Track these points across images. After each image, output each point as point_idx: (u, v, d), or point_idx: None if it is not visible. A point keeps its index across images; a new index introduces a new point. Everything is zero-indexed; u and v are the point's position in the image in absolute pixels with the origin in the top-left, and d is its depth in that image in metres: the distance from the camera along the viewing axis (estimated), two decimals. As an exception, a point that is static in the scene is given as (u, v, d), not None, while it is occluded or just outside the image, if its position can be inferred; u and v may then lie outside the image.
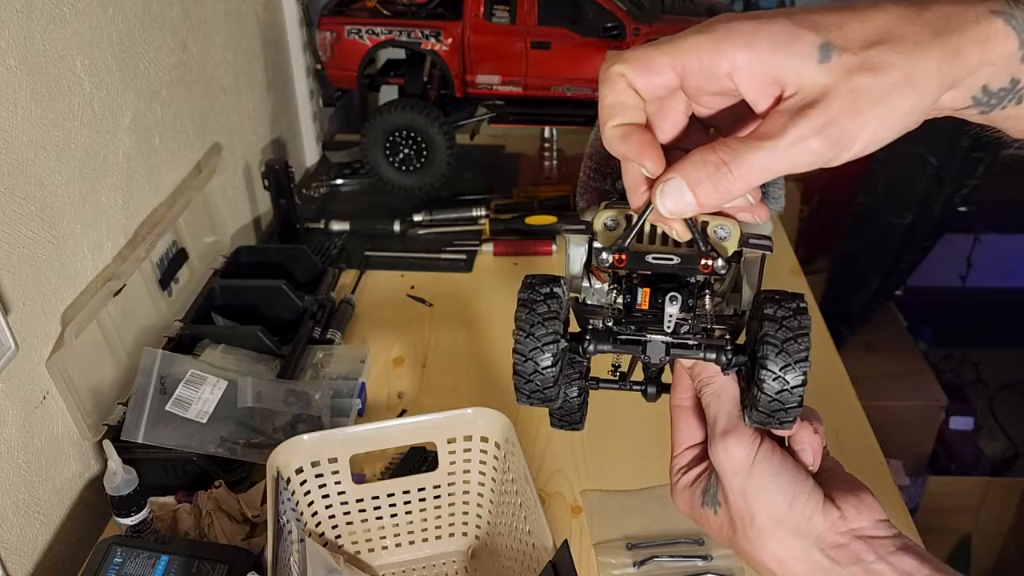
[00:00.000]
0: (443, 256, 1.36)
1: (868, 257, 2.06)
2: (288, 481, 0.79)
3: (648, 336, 0.47)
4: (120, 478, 0.81)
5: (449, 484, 0.86)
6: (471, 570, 0.88)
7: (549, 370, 0.46)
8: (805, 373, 0.43)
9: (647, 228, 0.45)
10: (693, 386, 0.52)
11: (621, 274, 0.48)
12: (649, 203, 0.42)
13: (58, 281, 0.89)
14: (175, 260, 1.14)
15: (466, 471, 0.85)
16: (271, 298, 1.15)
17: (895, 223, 2.00)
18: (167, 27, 1.10)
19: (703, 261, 0.44)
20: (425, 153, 1.43)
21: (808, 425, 0.48)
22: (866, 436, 1.01)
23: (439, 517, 0.88)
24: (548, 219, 1.39)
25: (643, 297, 0.47)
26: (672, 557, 0.86)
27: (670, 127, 0.44)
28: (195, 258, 1.20)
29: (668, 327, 0.46)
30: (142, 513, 0.83)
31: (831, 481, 0.49)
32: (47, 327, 0.88)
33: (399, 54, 1.48)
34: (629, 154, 0.42)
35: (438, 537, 0.89)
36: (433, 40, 1.38)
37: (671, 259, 0.44)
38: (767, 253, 0.46)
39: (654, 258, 0.44)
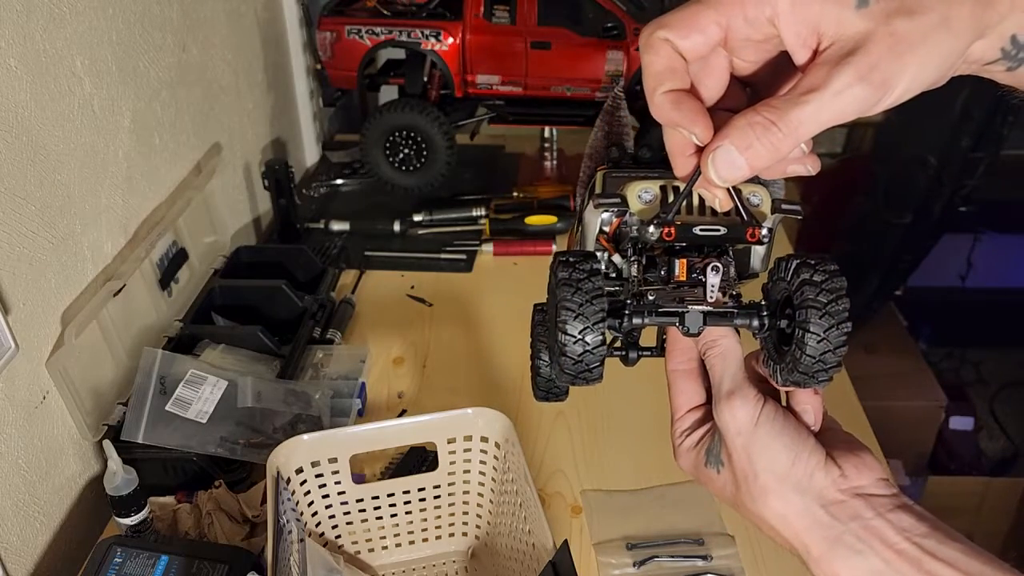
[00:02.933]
0: (443, 256, 1.36)
1: (868, 257, 2.06)
2: (288, 481, 0.79)
3: (688, 307, 0.47)
4: (120, 478, 0.81)
5: (449, 484, 0.86)
6: (471, 570, 0.88)
7: (599, 349, 0.45)
8: (847, 333, 0.44)
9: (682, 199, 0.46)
10: (692, 349, 0.53)
11: (651, 247, 0.47)
12: (696, 173, 0.43)
13: (58, 281, 0.89)
14: (175, 260, 1.14)
15: (466, 471, 0.85)
16: (271, 298, 1.15)
17: (895, 223, 2.00)
18: (167, 27, 1.10)
19: (750, 230, 0.44)
20: (425, 153, 1.43)
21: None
22: (866, 436, 1.01)
23: (439, 517, 0.88)
24: (548, 219, 1.39)
25: (680, 268, 0.47)
26: (672, 557, 0.86)
27: (715, 83, 0.45)
28: (195, 258, 1.20)
29: (711, 297, 0.46)
30: (142, 513, 0.83)
31: (832, 441, 0.50)
32: (47, 327, 0.88)
33: (399, 54, 1.48)
34: (681, 121, 0.42)
35: (438, 537, 0.89)
36: (433, 40, 1.38)
37: (718, 230, 0.44)
38: (797, 217, 0.47)
39: (701, 230, 0.44)
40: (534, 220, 1.40)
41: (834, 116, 0.39)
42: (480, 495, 0.86)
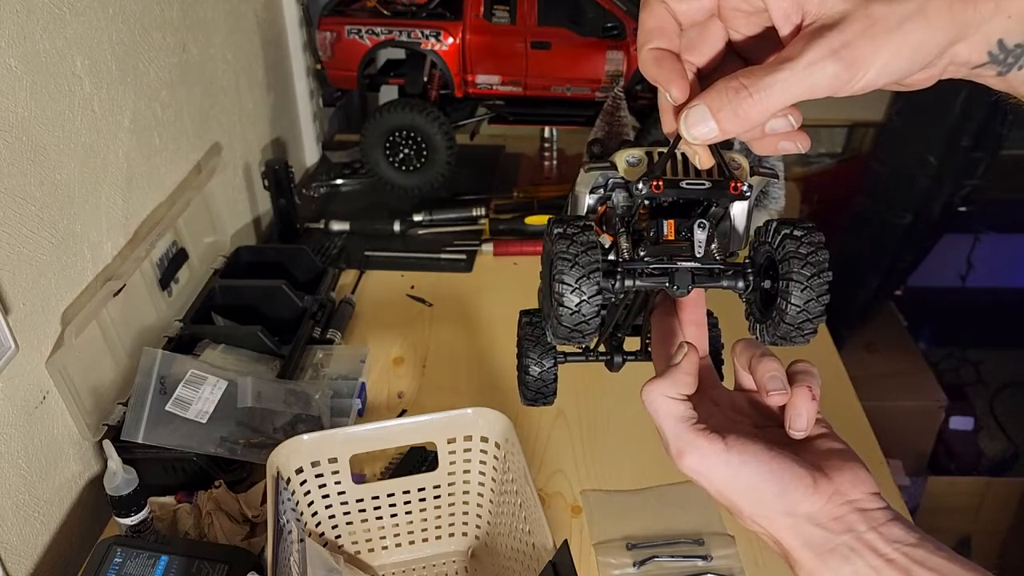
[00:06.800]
0: (443, 256, 1.36)
1: (868, 257, 2.06)
2: (288, 481, 0.79)
3: (677, 264, 0.48)
4: (120, 478, 0.81)
5: (449, 484, 0.86)
6: (471, 570, 0.88)
7: (596, 298, 0.46)
8: (829, 282, 0.46)
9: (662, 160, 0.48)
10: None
11: (641, 206, 0.49)
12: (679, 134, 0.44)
13: (58, 281, 0.89)
14: (175, 260, 1.15)
15: (466, 471, 0.85)
16: (271, 298, 1.15)
17: (895, 223, 2.00)
18: (167, 27, 1.10)
19: (733, 183, 0.46)
20: (425, 153, 1.43)
21: (807, 391, 0.49)
22: (866, 436, 1.01)
23: (439, 517, 0.88)
24: (548, 219, 1.39)
25: (669, 228, 0.48)
26: (672, 557, 0.86)
27: (709, 51, 0.46)
28: (195, 258, 1.20)
29: (699, 252, 0.48)
30: (142, 513, 0.83)
31: (826, 452, 0.49)
32: (47, 327, 0.88)
33: (399, 54, 1.48)
34: (659, 79, 0.44)
35: (438, 537, 0.89)
36: (433, 40, 1.38)
37: (703, 184, 0.46)
38: (774, 179, 0.49)
39: (687, 184, 0.46)
40: (534, 220, 1.40)
41: (805, 89, 0.39)
42: (480, 495, 0.86)
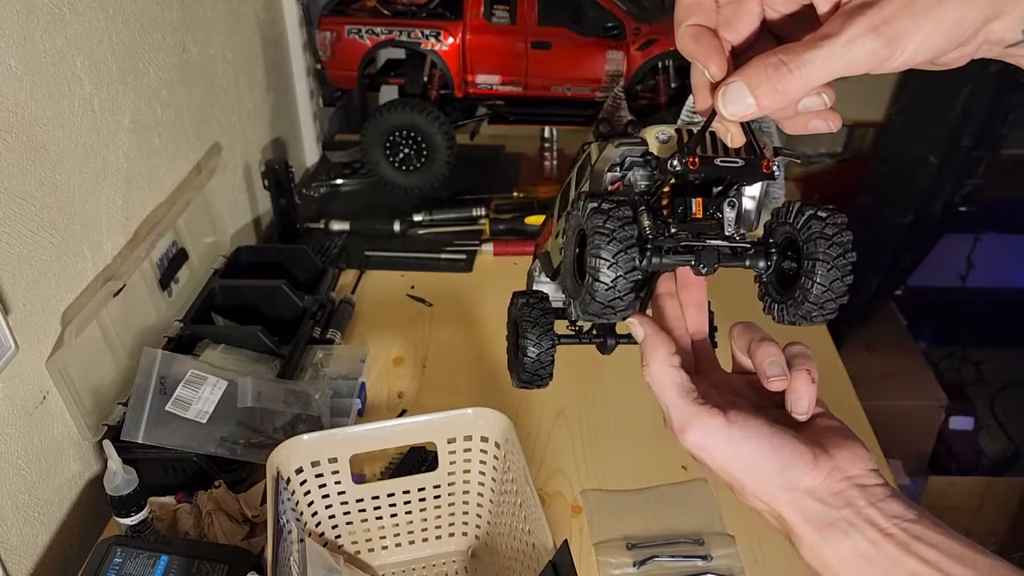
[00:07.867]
0: (443, 256, 1.36)
1: (868, 256, 2.06)
2: (288, 481, 0.79)
3: (706, 241, 0.48)
4: (120, 478, 0.81)
5: (449, 484, 0.86)
6: (471, 570, 0.88)
7: (633, 274, 0.46)
8: (853, 263, 0.46)
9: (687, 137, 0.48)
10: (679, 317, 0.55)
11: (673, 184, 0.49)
12: (715, 109, 0.44)
13: (58, 281, 0.89)
14: (175, 260, 1.15)
15: (466, 471, 0.85)
16: (271, 298, 1.15)
17: (895, 223, 2.00)
18: (167, 27, 1.10)
19: (765, 162, 0.46)
20: (425, 153, 1.43)
21: (806, 375, 0.50)
22: (866, 436, 1.01)
23: (439, 517, 0.88)
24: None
25: (697, 206, 0.48)
26: (672, 557, 0.86)
27: (745, 29, 0.46)
28: (195, 258, 1.20)
29: (729, 231, 0.48)
30: (142, 513, 0.83)
31: (824, 430, 0.50)
32: (47, 327, 0.88)
33: (399, 54, 1.48)
34: (697, 55, 0.44)
35: (438, 537, 0.89)
36: (433, 40, 1.38)
37: (736, 162, 0.46)
38: (797, 162, 0.50)
39: (722, 162, 0.46)
40: (534, 220, 1.40)
41: (844, 65, 0.40)
42: (480, 495, 0.86)
